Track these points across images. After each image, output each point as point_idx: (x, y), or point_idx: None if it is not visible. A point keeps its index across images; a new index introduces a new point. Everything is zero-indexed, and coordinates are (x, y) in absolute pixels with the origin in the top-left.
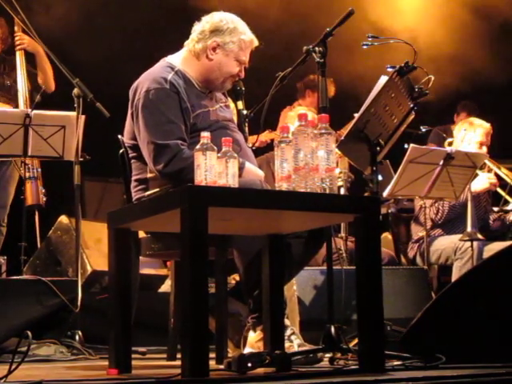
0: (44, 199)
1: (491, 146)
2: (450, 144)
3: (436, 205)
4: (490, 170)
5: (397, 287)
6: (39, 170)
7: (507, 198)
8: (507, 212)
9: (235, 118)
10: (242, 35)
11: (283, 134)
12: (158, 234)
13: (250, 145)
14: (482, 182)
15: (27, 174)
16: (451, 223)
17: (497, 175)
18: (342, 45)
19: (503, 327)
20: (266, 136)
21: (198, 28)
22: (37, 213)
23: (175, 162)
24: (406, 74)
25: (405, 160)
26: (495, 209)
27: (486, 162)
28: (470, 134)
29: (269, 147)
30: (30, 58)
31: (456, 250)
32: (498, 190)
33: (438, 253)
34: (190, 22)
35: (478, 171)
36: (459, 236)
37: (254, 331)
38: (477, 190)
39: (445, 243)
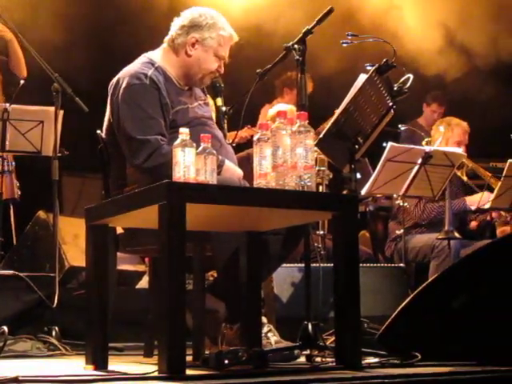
0: (19, 193)
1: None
2: (428, 143)
3: (421, 206)
4: (470, 175)
5: (374, 285)
6: (13, 163)
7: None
8: (484, 212)
9: (214, 116)
10: (221, 31)
11: (262, 131)
12: (136, 230)
13: (229, 141)
14: (479, 201)
15: (0, 168)
16: (441, 224)
17: (475, 174)
18: None
19: (479, 325)
20: (246, 132)
21: (177, 23)
22: (12, 207)
23: (154, 158)
24: (385, 72)
25: (383, 158)
26: (473, 208)
27: (464, 161)
28: (447, 134)
29: (249, 144)
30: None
31: (433, 249)
32: (476, 189)
33: (415, 250)
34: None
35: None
36: (436, 234)
37: (232, 328)
38: (472, 205)
39: (422, 241)
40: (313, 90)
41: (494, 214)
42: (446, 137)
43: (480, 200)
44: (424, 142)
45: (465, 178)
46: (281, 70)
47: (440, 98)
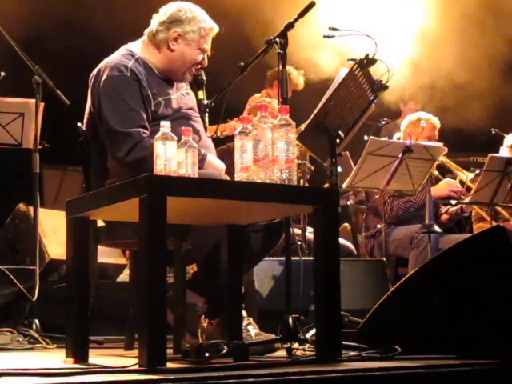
0: None
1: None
2: (399, 139)
3: (389, 204)
4: (440, 169)
5: (354, 278)
6: None
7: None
8: (455, 205)
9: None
10: (202, 23)
11: (243, 124)
12: (117, 223)
13: (210, 135)
14: (442, 188)
15: None
16: (410, 220)
17: (448, 170)
18: None
19: (458, 319)
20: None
21: (156, 19)
22: None
23: (137, 151)
24: (366, 66)
25: (364, 152)
26: (453, 202)
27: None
28: (417, 129)
29: (229, 137)
30: None
31: (412, 240)
32: None
33: (395, 243)
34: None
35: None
36: (415, 226)
37: (211, 323)
38: (436, 194)
39: (401, 233)
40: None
41: (464, 207)
42: (416, 132)
43: (443, 187)
44: (395, 138)
45: (436, 172)
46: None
47: (415, 95)
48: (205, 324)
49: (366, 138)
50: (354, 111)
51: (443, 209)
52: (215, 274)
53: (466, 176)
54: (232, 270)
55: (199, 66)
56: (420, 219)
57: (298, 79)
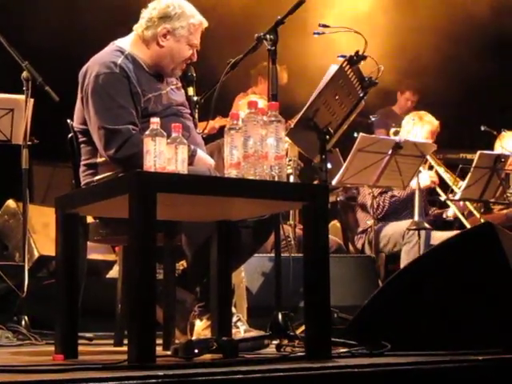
0: None
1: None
2: (396, 134)
3: (377, 200)
4: (430, 167)
5: (344, 275)
6: None
7: (442, 194)
8: (444, 201)
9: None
10: (191, 19)
11: (233, 120)
12: (107, 219)
13: (200, 131)
14: (424, 179)
15: None
16: (396, 214)
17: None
18: None
19: (448, 315)
20: (216, 122)
21: (145, 15)
22: None
23: (126, 148)
24: (356, 63)
25: (354, 148)
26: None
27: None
28: (417, 128)
29: (220, 134)
30: None
31: (404, 235)
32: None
33: (386, 239)
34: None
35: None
36: (407, 221)
37: (201, 320)
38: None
39: (393, 229)
40: (287, 81)
41: (449, 213)
42: (415, 131)
43: (426, 178)
44: (392, 133)
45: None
46: (257, 59)
47: (413, 86)
48: (194, 320)
49: (355, 134)
50: (344, 108)
51: (431, 209)
52: (205, 271)
53: (454, 179)
54: (222, 267)
55: (189, 61)
56: (411, 215)
57: (283, 73)
